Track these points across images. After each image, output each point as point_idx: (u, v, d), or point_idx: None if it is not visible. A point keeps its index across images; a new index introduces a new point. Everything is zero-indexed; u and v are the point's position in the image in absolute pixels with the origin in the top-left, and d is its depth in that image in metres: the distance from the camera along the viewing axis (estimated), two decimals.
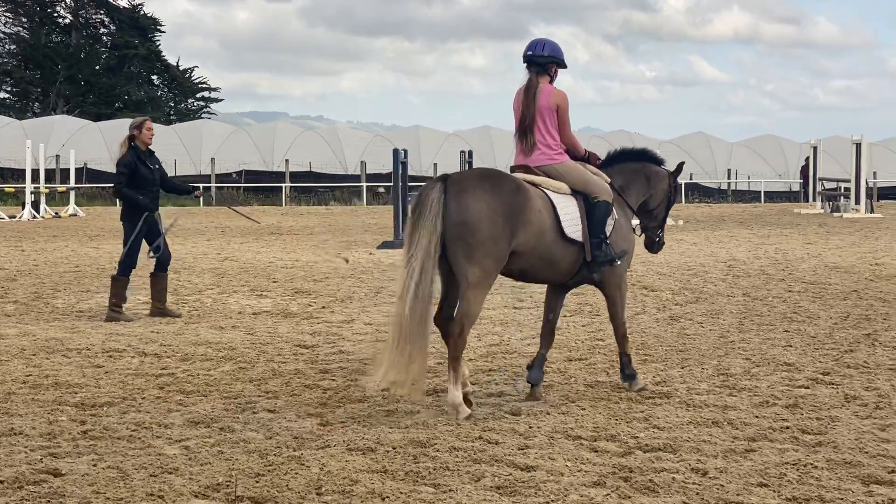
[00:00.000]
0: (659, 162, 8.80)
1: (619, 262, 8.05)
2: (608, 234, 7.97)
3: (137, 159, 12.38)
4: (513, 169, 8.19)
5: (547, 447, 6.59)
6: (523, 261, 7.67)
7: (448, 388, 7.40)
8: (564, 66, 8.24)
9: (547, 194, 7.81)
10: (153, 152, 12.69)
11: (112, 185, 12.79)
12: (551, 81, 8.16)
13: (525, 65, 8.17)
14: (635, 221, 8.62)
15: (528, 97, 8.06)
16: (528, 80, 8.12)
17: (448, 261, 7.38)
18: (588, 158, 8.28)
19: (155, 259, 12.53)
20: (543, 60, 8.12)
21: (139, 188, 12.39)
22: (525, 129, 8.05)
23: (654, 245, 8.92)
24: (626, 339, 8.35)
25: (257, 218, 14.66)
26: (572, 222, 7.81)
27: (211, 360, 9.56)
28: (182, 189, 13.64)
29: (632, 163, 8.61)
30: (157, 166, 12.63)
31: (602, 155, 8.56)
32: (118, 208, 17.59)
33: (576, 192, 7.95)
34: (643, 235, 8.88)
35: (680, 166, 8.92)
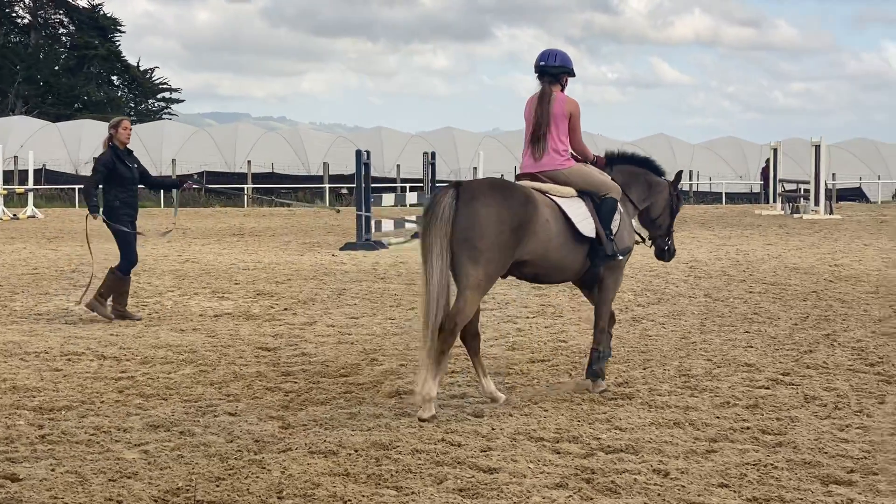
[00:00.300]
0: (660, 173, 9.01)
1: (620, 258, 8.31)
2: (614, 231, 8.26)
3: (116, 158, 12.38)
4: (519, 177, 8.47)
5: (509, 449, 6.59)
6: (534, 267, 7.97)
7: (426, 382, 7.40)
8: (573, 75, 8.54)
9: (555, 201, 8.06)
10: (132, 151, 12.69)
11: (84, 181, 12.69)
12: (562, 90, 8.45)
13: (537, 74, 8.48)
14: (634, 222, 8.85)
15: (542, 105, 8.35)
16: (542, 89, 8.43)
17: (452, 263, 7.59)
18: (595, 162, 8.60)
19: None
20: (556, 70, 8.44)
21: (118, 187, 12.39)
22: (539, 136, 8.33)
23: (664, 254, 9.12)
24: (604, 334, 8.46)
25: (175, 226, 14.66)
26: (585, 221, 8.10)
27: (171, 363, 9.49)
28: (168, 184, 13.19)
29: (633, 166, 8.86)
30: (136, 165, 12.62)
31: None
32: (78, 210, 17.39)
33: (582, 193, 8.24)
34: (652, 246, 9.11)
35: (679, 175, 9.09)
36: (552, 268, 8.06)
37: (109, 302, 12.40)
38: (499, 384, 8.31)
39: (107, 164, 12.36)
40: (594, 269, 8.27)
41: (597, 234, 8.12)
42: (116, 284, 12.34)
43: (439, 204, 7.55)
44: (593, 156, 8.59)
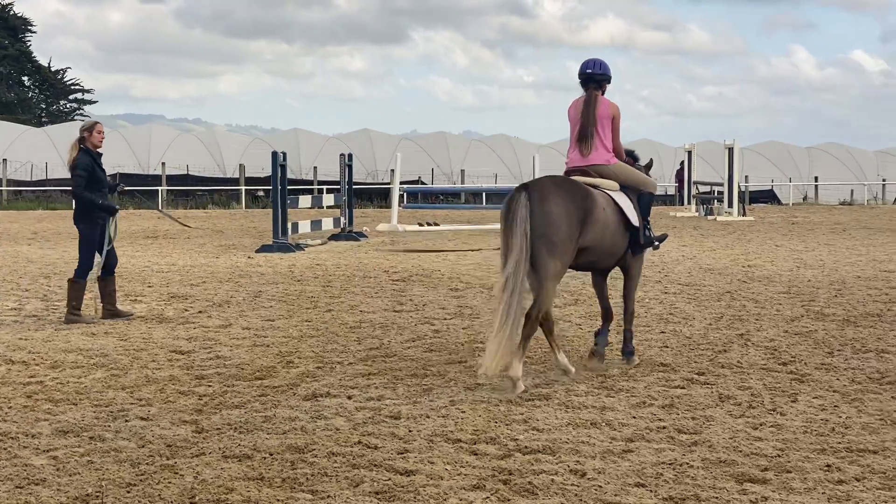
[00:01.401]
0: (636, 160, 9.85)
1: (658, 244, 9.58)
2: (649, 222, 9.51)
3: (94, 162, 12.47)
4: (569, 171, 9.33)
5: (426, 451, 6.54)
6: (592, 254, 8.91)
7: (513, 364, 8.18)
8: (610, 82, 9.55)
9: (608, 194, 9.06)
10: (101, 154, 12.76)
11: (70, 188, 13.11)
12: (603, 94, 9.44)
13: (582, 80, 9.45)
14: None
15: (588, 108, 9.30)
16: (588, 94, 9.39)
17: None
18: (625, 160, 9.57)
19: (101, 263, 12.48)
20: (600, 77, 9.42)
21: (95, 191, 12.42)
22: (587, 135, 9.26)
23: (651, 241, 9.62)
24: (633, 317, 9.71)
25: (188, 222, 14.24)
26: (632, 212, 9.16)
27: (82, 368, 9.31)
28: (111, 188, 13.17)
29: (629, 159, 9.68)
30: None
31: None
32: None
33: (623, 188, 9.24)
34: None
35: (650, 163, 10.13)
36: (605, 254, 9.07)
37: (95, 307, 12.50)
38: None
39: (87, 167, 12.42)
40: (633, 257, 9.40)
41: (639, 224, 9.22)
42: (76, 291, 12.22)
43: (516, 205, 8.34)
44: (625, 155, 9.53)
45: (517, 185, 8.98)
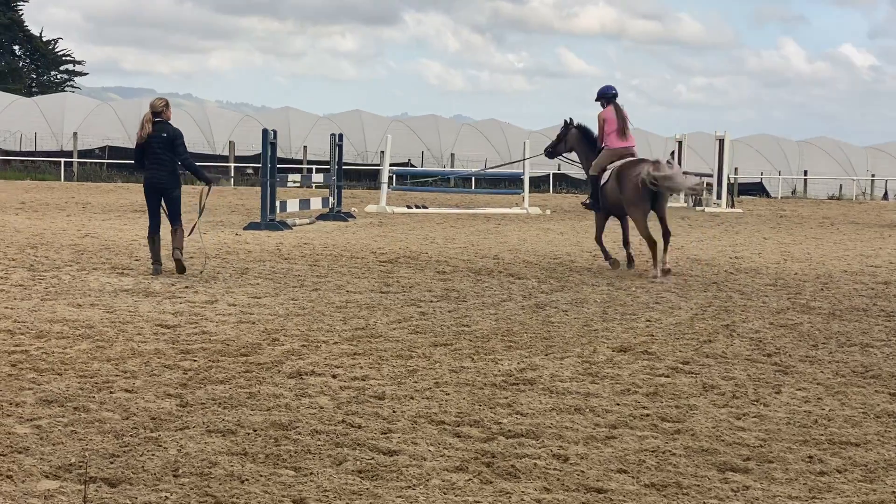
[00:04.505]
0: None
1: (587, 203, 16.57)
2: None
3: None
4: (622, 151, 15.79)
5: (410, 432, 6.55)
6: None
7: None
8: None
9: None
10: None
11: (187, 157, 14.50)
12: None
13: (608, 98, 16.08)
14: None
15: (620, 113, 15.94)
16: (615, 105, 16.02)
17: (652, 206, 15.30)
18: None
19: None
20: (614, 94, 16.15)
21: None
22: (625, 129, 15.89)
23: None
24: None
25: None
26: None
27: (67, 339, 9.29)
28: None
29: None
30: None
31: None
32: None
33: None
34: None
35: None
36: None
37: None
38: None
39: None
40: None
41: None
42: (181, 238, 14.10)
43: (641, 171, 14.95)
44: None
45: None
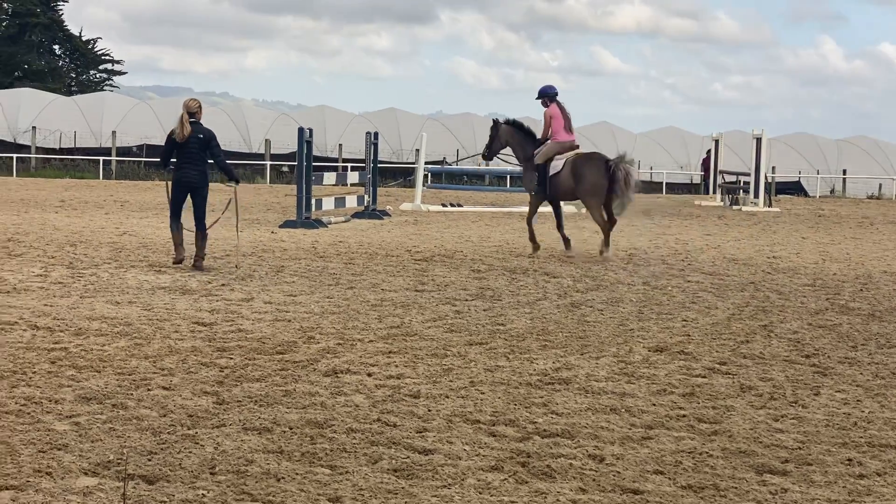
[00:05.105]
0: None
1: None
2: None
3: None
4: (568, 144, 17.54)
5: (445, 431, 6.55)
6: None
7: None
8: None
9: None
10: None
11: (222, 157, 14.87)
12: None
13: (551, 96, 17.64)
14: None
15: (564, 111, 17.57)
16: (560, 103, 17.62)
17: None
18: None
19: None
20: (555, 93, 17.74)
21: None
22: (570, 125, 17.54)
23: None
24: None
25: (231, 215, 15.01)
26: None
27: (105, 336, 9.36)
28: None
29: None
30: None
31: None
32: (15, 178, 17.14)
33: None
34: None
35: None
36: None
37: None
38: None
39: None
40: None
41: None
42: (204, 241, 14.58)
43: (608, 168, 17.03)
44: None
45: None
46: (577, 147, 17.70)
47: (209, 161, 14.55)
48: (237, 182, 15.29)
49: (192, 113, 14.41)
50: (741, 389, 7.96)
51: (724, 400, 7.59)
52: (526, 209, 24.57)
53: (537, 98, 17.85)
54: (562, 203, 18.28)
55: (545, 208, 19.30)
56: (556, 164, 17.32)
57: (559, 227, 17.91)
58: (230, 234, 17.67)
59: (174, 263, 14.46)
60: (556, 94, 17.70)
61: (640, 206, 17.93)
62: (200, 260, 14.39)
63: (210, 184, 14.75)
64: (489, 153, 18.63)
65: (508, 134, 18.16)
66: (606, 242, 17.15)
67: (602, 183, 16.88)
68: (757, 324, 10.98)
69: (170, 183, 14.75)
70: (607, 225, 17.14)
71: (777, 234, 24.25)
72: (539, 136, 17.80)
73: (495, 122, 18.51)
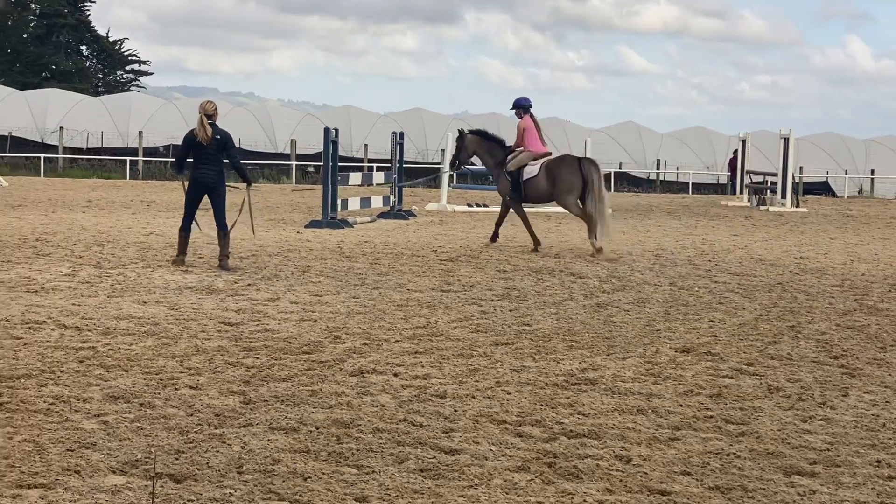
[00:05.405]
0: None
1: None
2: None
3: None
4: (542, 154, 18.31)
5: (471, 431, 6.55)
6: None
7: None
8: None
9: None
10: None
11: (237, 158, 15.32)
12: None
13: (525, 108, 18.62)
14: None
15: (537, 122, 18.59)
16: (532, 116, 18.61)
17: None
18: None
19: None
20: (530, 105, 18.72)
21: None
22: (541, 136, 18.47)
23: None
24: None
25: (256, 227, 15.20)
26: None
27: (133, 335, 9.40)
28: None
29: None
30: None
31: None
32: (43, 178, 17.25)
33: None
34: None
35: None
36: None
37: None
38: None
39: None
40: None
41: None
42: (227, 240, 14.70)
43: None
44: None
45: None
46: (550, 154, 18.67)
47: (224, 161, 14.79)
48: (250, 183, 15.49)
49: (210, 115, 14.67)
50: (769, 390, 7.92)
51: (752, 401, 7.56)
52: (554, 210, 25.28)
53: (512, 108, 19.00)
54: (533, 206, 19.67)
55: (529, 208, 19.93)
56: (531, 170, 18.17)
57: (499, 223, 19.05)
58: (244, 235, 17.69)
59: (173, 264, 14.60)
60: (531, 105, 18.68)
61: (611, 203, 19.16)
62: (225, 259, 14.50)
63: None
64: (457, 163, 19.69)
65: (475, 143, 19.03)
66: (593, 233, 17.64)
67: (576, 181, 17.83)
68: (784, 325, 10.93)
69: (187, 182, 14.94)
70: (589, 216, 17.70)
71: (804, 234, 24.14)
72: (507, 142, 18.96)
73: (461, 132, 19.41)
